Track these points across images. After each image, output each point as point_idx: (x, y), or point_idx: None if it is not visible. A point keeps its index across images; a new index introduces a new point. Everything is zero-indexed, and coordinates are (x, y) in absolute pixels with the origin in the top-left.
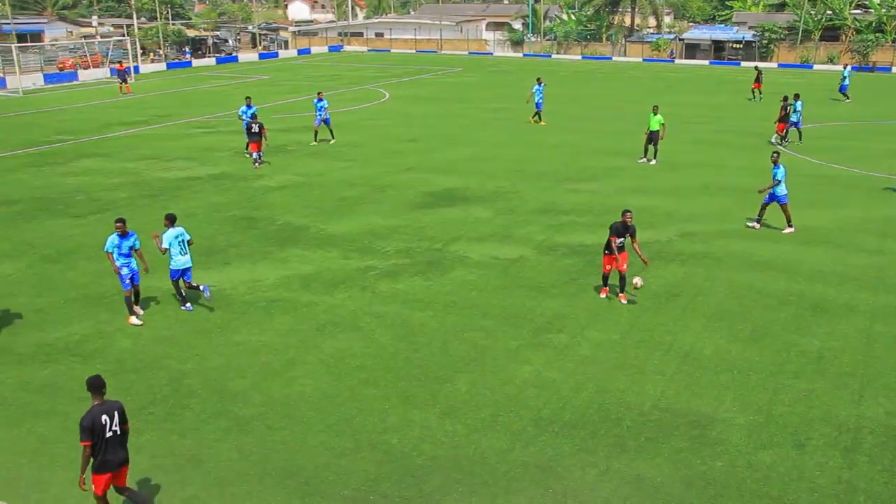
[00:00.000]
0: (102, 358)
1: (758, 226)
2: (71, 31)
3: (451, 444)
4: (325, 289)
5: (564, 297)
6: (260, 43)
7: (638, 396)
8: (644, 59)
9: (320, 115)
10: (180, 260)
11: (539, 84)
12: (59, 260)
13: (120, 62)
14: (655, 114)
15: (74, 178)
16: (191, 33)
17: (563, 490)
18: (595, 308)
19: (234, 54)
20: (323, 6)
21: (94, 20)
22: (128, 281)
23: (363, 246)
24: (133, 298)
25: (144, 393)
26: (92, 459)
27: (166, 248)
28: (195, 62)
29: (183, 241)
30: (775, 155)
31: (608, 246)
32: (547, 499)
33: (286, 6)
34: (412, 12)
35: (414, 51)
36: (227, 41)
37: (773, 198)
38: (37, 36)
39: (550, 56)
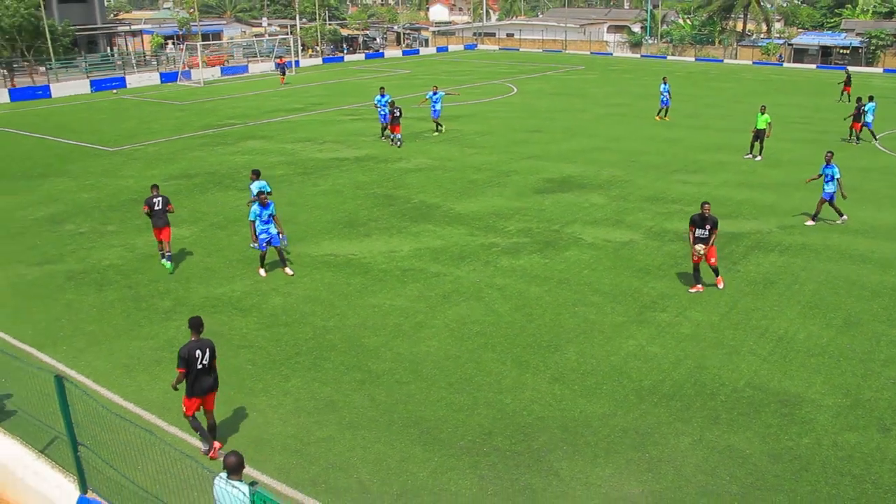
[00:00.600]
0: (258, 312)
1: (813, 222)
2: (244, 31)
3: (558, 406)
4: (452, 261)
5: (669, 279)
6: (404, 41)
7: (732, 374)
8: (754, 63)
9: (434, 106)
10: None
11: (665, 83)
12: (226, 227)
13: (281, 57)
14: (763, 113)
15: (241, 157)
16: (344, 32)
17: (658, 455)
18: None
19: (380, 51)
20: (460, 9)
21: (264, 21)
22: (265, 244)
23: (487, 225)
24: (280, 259)
25: (292, 344)
26: (187, 385)
27: (254, 199)
28: (347, 57)
29: (263, 191)
30: (829, 154)
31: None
32: (643, 462)
33: (428, 9)
34: (540, 15)
35: (541, 50)
36: (375, 39)
37: (831, 196)
38: (217, 35)
39: (666, 57)
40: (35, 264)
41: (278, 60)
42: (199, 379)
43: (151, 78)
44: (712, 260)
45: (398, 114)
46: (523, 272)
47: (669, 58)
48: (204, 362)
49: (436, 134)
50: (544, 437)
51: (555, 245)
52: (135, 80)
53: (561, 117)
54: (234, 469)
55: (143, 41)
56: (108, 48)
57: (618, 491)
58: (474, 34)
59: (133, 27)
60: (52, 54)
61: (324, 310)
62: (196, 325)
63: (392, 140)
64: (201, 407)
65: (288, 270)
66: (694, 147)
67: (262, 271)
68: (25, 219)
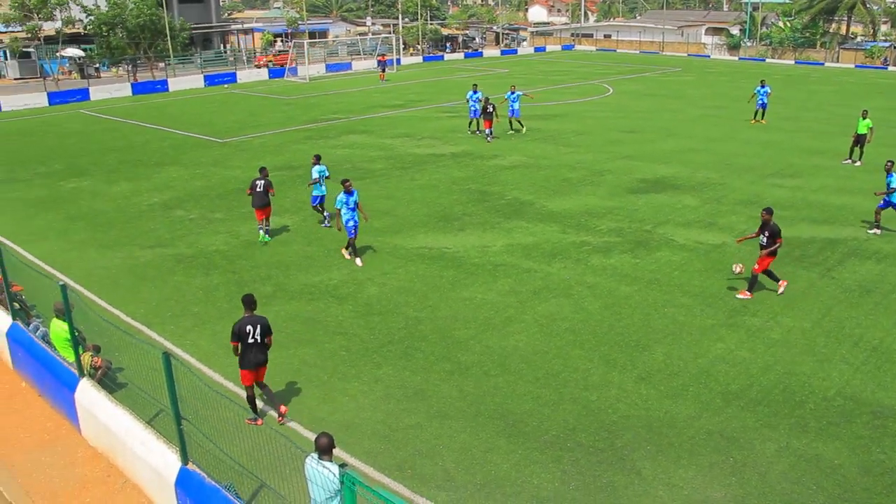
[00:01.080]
0: (353, 301)
1: (878, 231)
2: (349, 30)
3: (643, 406)
4: (544, 258)
5: (760, 283)
6: (502, 41)
7: (823, 382)
8: (856, 66)
9: (512, 105)
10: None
11: (762, 86)
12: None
13: (382, 55)
14: (864, 118)
15: (342, 150)
16: (444, 31)
17: (742, 460)
18: (789, 296)
19: (479, 50)
20: (559, 10)
21: (368, 20)
22: (353, 231)
23: (580, 223)
24: (352, 248)
25: (385, 333)
26: (239, 357)
27: (316, 179)
28: (446, 56)
29: (323, 175)
30: (889, 163)
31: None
32: (727, 466)
33: (526, 9)
34: (638, 17)
35: (637, 51)
36: (474, 39)
37: (887, 203)
38: (323, 34)
39: (764, 60)
40: (148, 247)
41: (379, 58)
42: (250, 352)
43: (260, 73)
44: (756, 267)
45: (491, 109)
46: (614, 271)
47: (768, 61)
48: (256, 337)
49: (511, 132)
50: (628, 436)
51: (646, 245)
52: (245, 75)
53: (656, 118)
54: (325, 450)
55: (253, 39)
56: (222, 45)
57: (700, 493)
58: (572, 35)
59: (245, 25)
60: (170, 51)
61: (417, 301)
62: (248, 302)
63: (486, 135)
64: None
65: (358, 261)
66: (791, 150)
67: (357, 261)
68: (141, 204)
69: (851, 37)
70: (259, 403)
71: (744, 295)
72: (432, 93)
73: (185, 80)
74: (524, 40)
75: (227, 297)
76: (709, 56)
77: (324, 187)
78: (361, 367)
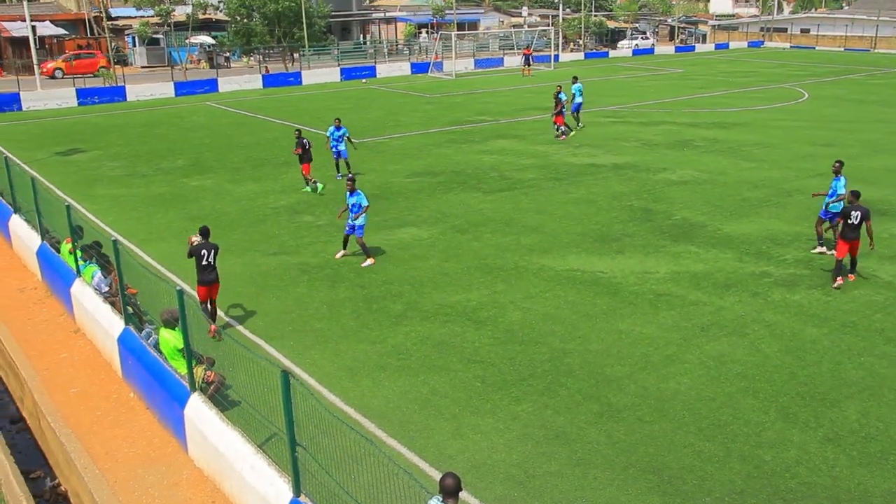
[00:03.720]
0: (493, 326)
1: (824, 249)
2: (502, 21)
3: (829, 473)
4: (715, 289)
5: None
6: (678, 36)
7: None
8: None
9: (577, 100)
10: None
11: None
12: (467, 230)
13: (528, 47)
14: None
15: (489, 157)
16: (611, 25)
17: None
18: None
19: (651, 47)
20: (747, 1)
21: (524, 10)
22: (352, 230)
23: (760, 250)
24: (363, 250)
25: (526, 365)
26: (197, 276)
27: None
28: (612, 53)
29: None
30: (838, 163)
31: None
32: None
33: (708, 0)
34: (846, 6)
35: (842, 49)
36: (645, 33)
37: (830, 215)
38: (473, 25)
39: None
40: (271, 254)
41: (525, 51)
42: (204, 272)
43: (402, 68)
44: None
45: (562, 102)
46: (799, 309)
47: None
48: (209, 260)
49: (573, 133)
50: None
51: None
52: (385, 69)
53: (861, 130)
54: (451, 492)
55: (395, 29)
56: (361, 35)
57: None
58: (761, 30)
59: (388, 14)
60: (306, 40)
61: (564, 330)
62: (203, 232)
63: (556, 132)
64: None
65: (368, 261)
66: None
67: (368, 261)
68: (267, 207)
69: None
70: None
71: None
72: (593, 95)
73: (320, 73)
74: (703, 35)
75: (353, 313)
76: None
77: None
78: (498, 402)
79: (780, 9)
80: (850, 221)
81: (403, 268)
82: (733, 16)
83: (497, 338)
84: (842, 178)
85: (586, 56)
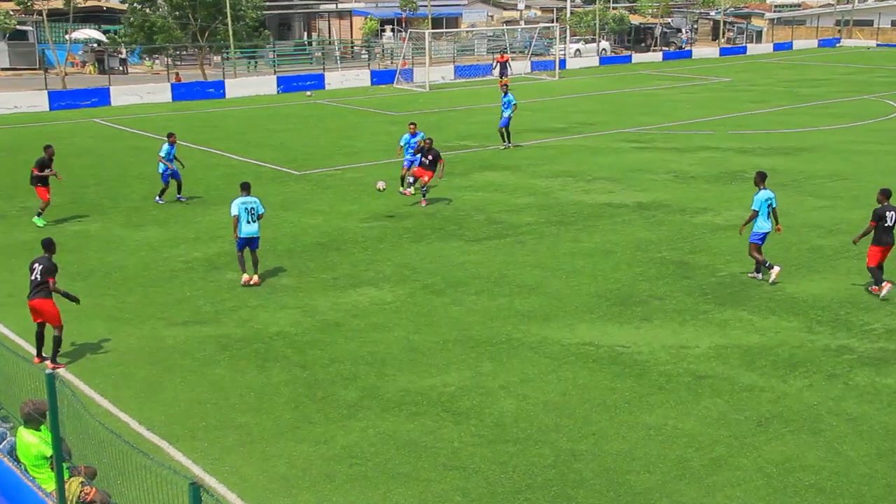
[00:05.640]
0: (478, 418)
1: (758, 276)
2: (492, 16)
3: None
4: (776, 370)
5: None
6: (724, 34)
7: None
8: None
9: (505, 114)
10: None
11: None
12: (444, 291)
13: (502, 53)
14: None
15: (473, 194)
16: (635, 20)
17: None
18: None
19: (686, 48)
20: None
21: (521, 3)
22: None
23: (838, 317)
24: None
25: (522, 472)
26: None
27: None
28: (636, 57)
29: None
30: (757, 176)
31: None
32: None
33: None
34: None
35: None
36: (679, 31)
37: (759, 237)
38: (453, 21)
39: None
40: (180, 324)
41: (499, 58)
42: (30, 287)
43: (359, 76)
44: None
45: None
46: (894, 397)
47: None
48: (36, 276)
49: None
50: None
51: None
52: (336, 78)
53: None
54: None
55: (351, 26)
56: (306, 34)
57: None
58: (837, 23)
59: (341, 6)
60: (231, 39)
61: (574, 425)
62: (45, 245)
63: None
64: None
65: (254, 278)
66: None
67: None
68: (175, 260)
69: None
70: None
71: (877, 291)
72: (611, 112)
73: (251, 83)
74: (759, 32)
75: (290, 403)
76: None
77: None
78: None
79: None
80: (886, 224)
81: (359, 341)
82: (798, 6)
83: (483, 436)
84: (763, 192)
85: (602, 61)
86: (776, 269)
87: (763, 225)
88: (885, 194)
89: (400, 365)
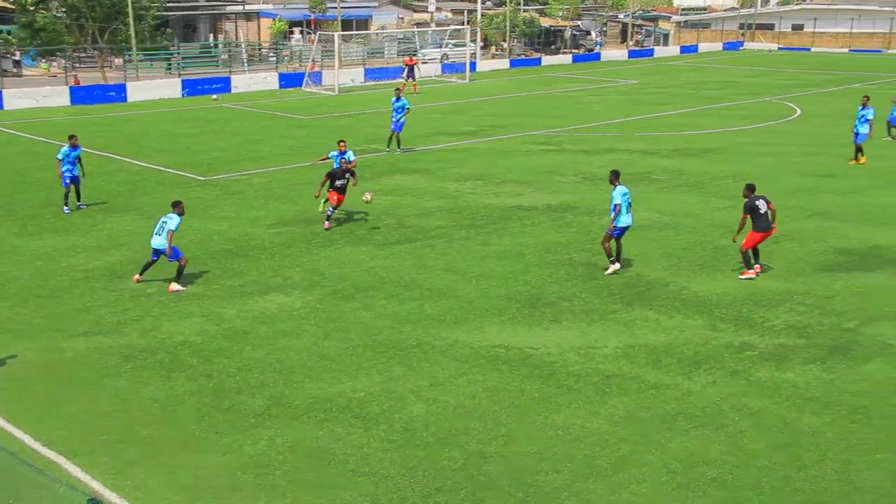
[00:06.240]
0: (388, 424)
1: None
2: (402, 18)
3: None
4: (682, 368)
5: None
6: (632, 37)
7: None
8: None
9: (396, 118)
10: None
11: None
12: (354, 296)
13: (411, 55)
14: None
15: (383, 198)
16: (545, 22)
17: None
18: None
19: (595, 51)
20: None
21: (431, 4)
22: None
23: (740, 315)
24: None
25: (432, 476)
26: None
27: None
28: (546, 59)
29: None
30: (612, 175)
31: None
32: None
33: None
34: None
35: (846, 49)
36: (588, 33)
37: (619, 230)
38: (363, 23)
39: None
40: (80, 335)
41: (407, 61)
42: None
43: (267, 80)
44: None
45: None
46: (793, 391)
47: None
48: None
49: (386, 151)
50: None
51: (847, 352)
52: (243, 81)
53: (871, 155)
54: None
55: (259, 27)
56: (212, 35)
57: None
58: (741, 27)
59: (248, 7)
60: (133, 40)
61: (483, 427)
62: None
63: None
64: None
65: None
66: None
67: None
68: (74, 269)
69: None
70: None
71: (747, 274)
72: (521, 114)
73: (154, 86)
74: (665, 35)
75: (196, 413)
76: None
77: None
78: None
79: (766, 0)
80: (761, 212)
81: (266, 349)
82: (704, 9)
83: (393, 440)
84: (619, 188)
85: (512, 64)
86: (615, 266)
87: (623, 219)
88: (751, 188)
89: (309, 372)
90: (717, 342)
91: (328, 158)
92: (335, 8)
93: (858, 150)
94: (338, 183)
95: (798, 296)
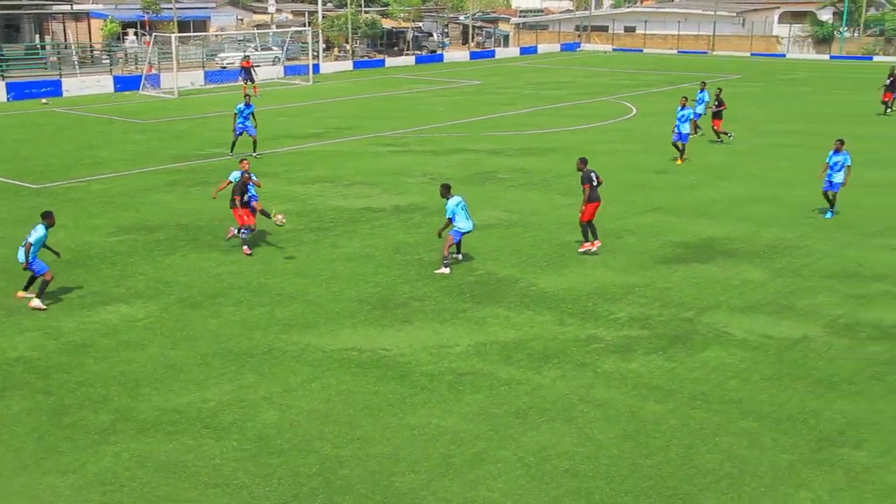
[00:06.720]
0: (240, 433)
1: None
2: (241, 20)
3: None
4: (532, 363)
5: (866, 397)
6: (473, 39)
7: None
8: None
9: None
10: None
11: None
12: (201, 304)
13: (247, 58)
14: None
15: (228, 202)
16: (387, 24)
17: None
18: None
19: (438, 52)
20: None
21: (271, 6)
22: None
23: (586, 309)
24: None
25: (288, 483)
26: None
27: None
28: (389, 61)
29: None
30: (443, 188)
31: None
32: None
33: None
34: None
35: (675, 51)
36: (430, 35)
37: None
38: (201, 24)
39: (871, 59)
40: None
41: (244, 63)
42: None
43: (101, 83)
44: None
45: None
46: (637, 381)
47: (878, 59)
48: None
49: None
50: None
51: (686, 341)
52: (75, 85)
53: (702, 151)
54: None
55: (90, 28)
56: (38, 36)
57: None
58: (577, 28)
59: (76, 7)
60: None
61: (338, 431)
62: None
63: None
64: None
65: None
66: None
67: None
68: None
69: None
70: None
71: (585, 247)
72: (366, 116)
73: None
74: (505, 36)
75: (34, 433)
76: (784, 55)
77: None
78: None
79: (600, 2)
80: (594, 184)
81: (109, 361)
82: (542, 11)
83: (246, 449)
84: (453, 199)
85: (356, 65)
86: (445, 270)
87: (462, 225)
88: (584, 161)
89: (156, 383)
90: (564, 336)
91: (230, 182)
92: (170, 9)
93: (679, 148)
94: (246, 197)
95: (640, 288)
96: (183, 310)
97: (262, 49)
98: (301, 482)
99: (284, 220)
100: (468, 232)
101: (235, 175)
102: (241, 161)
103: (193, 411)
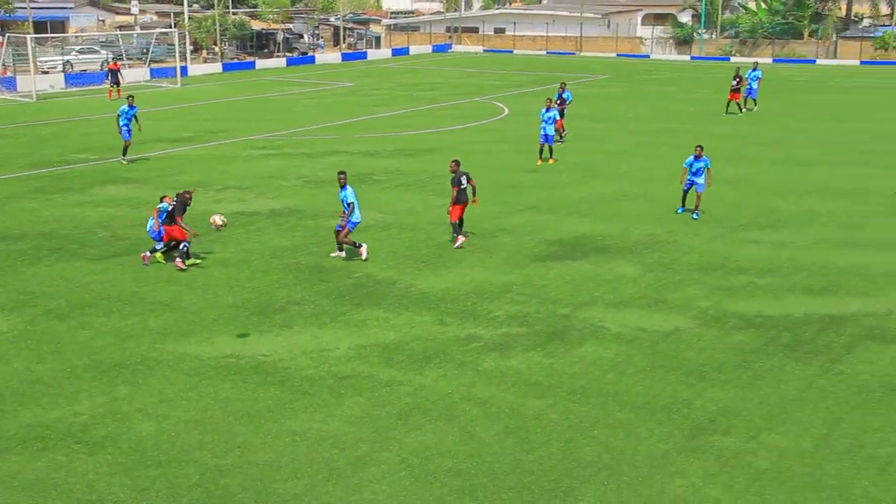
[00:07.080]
0: (115, 447)
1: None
2: (103, 20)
3: None
4: (413, 364)
5: (735, 385)
6: (344, 40)
7: None
8: (862, 62)
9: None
10: None
11: (755, 69)
12: (69, 315)
13: (115, 61)
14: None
15: (95, 210)
16: (257, 26)
17: None
18: (778, 402)
19: (310, 54)
20: None
21: (134, 6)
22: None
23: (465, 308)
24: None
25: (166, 495)
26: None
27: None
28: (260, 63)
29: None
30: (342, 176)
31: None
32: None
33: None
34: (545, 1)
35: (544, 52)
36: (301, 37)
37: (351, 225)
38: (59, 24)
39: (729, 59)
40: None
41: (111, 66)
42: None
43: None
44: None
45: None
46: (517, 377)
47: (735, 59)
48: None
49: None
50: None
51: (563, 337)
52: None
53: (572, 150)
54: None
55: None
56: None
57: None
58: (448, 30)
59: None
60: None
61: (218, 440)
62: None
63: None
64: None
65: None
66: (770, 190)
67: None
68: None
69: (855, 19)
70: None
71: (458, 242)
72: (237, 119)
73: None
74: (377, 38)
75: None
76: (648, 56)
77: None
78: None
79: (469, 4)
80: (462, 187)
81: None
82: (412, 13)
83: (121, 463)
84: (346, 189)
85: (225, 68)
86: (363, 249)
87: (357, 217)
88: (457, 163)
89: (21, 399)
90: (445, 336)
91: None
92: (24, 8)
93: (546, 150)
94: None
95: (517, 286)
96: (50, 322)
97: (87, 52)
98: (180, 493)
99: (221, 221)
100: (358, 223)
101: (164, 206)
102: (163, 198)
103: (64, 426)
